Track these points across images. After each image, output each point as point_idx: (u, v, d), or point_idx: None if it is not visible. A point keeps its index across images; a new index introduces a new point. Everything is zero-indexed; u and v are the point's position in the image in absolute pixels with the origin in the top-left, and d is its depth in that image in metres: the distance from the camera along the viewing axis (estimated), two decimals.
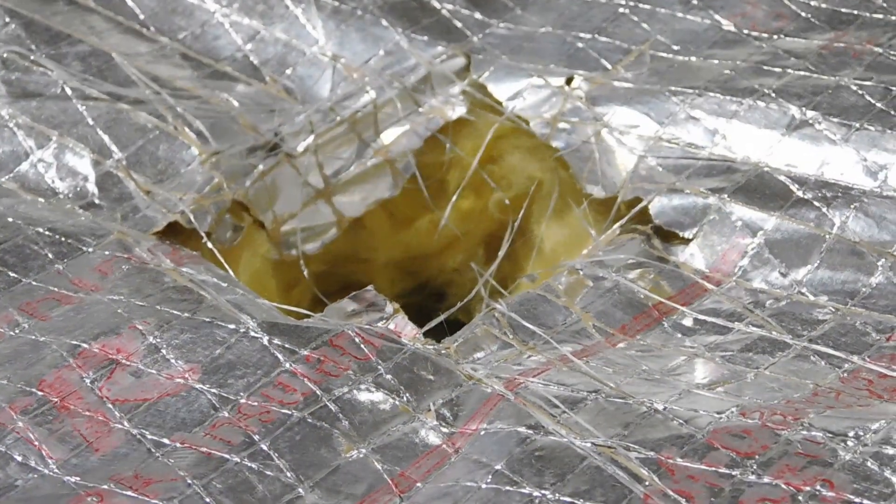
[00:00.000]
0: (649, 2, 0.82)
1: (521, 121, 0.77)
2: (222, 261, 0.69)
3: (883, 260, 0.67)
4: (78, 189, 0.73)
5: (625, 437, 0.56)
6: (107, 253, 0.67)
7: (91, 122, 0.75)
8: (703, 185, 0.71)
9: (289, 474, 0.55)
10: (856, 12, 0.80)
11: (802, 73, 0.75)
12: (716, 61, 0.77)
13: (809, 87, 0.74)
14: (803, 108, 0.72)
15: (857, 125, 0.71)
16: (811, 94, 0.73)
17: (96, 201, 0.72)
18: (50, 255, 0.67)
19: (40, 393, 0.58)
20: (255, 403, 0.58)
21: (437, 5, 0.83)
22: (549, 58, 0.79)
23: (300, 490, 0.55)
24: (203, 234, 0.70)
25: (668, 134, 0.74)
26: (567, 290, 0.67)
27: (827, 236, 0.68)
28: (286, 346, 0.60)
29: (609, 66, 0.78)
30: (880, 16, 0.79)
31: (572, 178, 0.76)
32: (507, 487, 0.54)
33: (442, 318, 0.65)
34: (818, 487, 0.52)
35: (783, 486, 0.53)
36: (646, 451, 0.55)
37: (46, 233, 0.68)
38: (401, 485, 0.56)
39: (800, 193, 0.70)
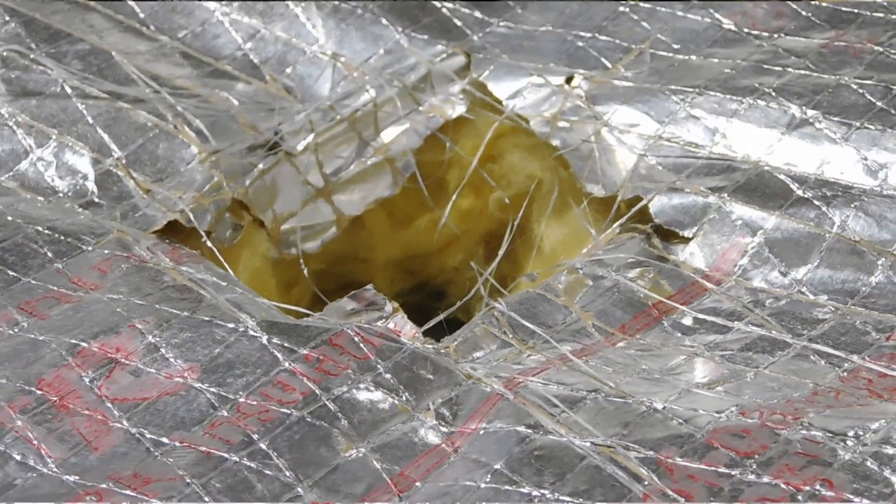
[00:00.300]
0: (649, 0, 0.81)
1: (521, 119, 0.77)
2: (222, 260, 0.69)
3: (883, 259, 0.67)
4: (77, 188, 0.73)
5: (624, 437, 0.56)
6: (106, 252, 0.67)
7: (91, 121, 0.75)
8: (703, 184, 0.71)
9: (288, 473, 0.55)
10: (856, 11, 0.80)
11: (803, 71, 0.75)
12: (716, 60, 0.77)
13: (810, 85, 0.74)
14: (803, 107, 0.72)
15: (858, 124, 0.71)
16: (811, 93, 0.73)
17: (96, 200, 0.72)
18: (49, 254, 0.67)
19: (39, 392, 0.58)
20: (255, 402, 0.58)
21: (437, 4, 0.83)
22: (549, 56, 0.79)
23: (299, 489, 0.55)
24: (203, 233, 0.70)
25: (668, 133, 0.74)
26: (567, 289, 0.67)
27: (827, 235, 0.68)
28: (285, 345, 0.60)
29: (609, 65, 0.78)
30: (881, 14, 0.79)
31: (572, 176, 0.76)
32: (507, 487, 0.54)
33: (441, 317, 0.65)
34: (818, 487, 0.52)
35: (783, 485, 0.52)
36: (645, 450, 0.55)
37: (46, 231, 0.68)
38: (400, 484, 0.56)
39: (800, 192, 0.70)
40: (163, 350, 0.60)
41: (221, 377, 0.59)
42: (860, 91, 0.73)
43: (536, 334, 0.65)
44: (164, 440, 0.56)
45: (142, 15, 0.82)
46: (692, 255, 0.70)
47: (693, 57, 0.78)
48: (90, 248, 0.67)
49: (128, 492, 0.54)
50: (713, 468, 0.54)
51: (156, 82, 0.77)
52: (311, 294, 0.78)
